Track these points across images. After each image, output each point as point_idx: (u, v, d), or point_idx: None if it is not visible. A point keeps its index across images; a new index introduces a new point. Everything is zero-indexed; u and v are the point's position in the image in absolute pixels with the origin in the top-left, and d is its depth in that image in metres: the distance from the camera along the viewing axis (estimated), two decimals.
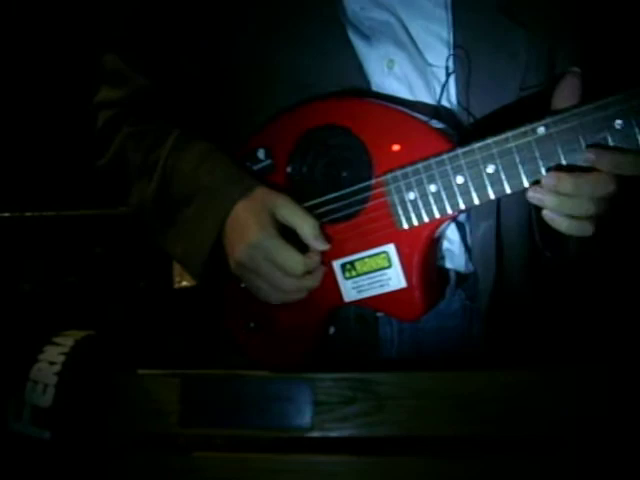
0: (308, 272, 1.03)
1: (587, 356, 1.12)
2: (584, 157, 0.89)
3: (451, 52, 1.07)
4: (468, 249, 1.14)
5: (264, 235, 1.01)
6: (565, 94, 0.91)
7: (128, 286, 1.55)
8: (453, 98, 1.09)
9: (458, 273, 1.14)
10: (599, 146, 0.88)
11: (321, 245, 1.02)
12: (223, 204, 1.04)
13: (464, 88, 1.07)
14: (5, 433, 0.93)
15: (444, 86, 1.08)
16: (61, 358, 0.97)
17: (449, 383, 0.96)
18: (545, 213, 0.92)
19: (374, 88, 1.09)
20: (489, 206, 1.09)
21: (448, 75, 1.07)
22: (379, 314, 1.13)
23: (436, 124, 1.03)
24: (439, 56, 1.09)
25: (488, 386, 0.95)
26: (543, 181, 0.90)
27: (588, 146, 0.88)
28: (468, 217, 1.12)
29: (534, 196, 0.91)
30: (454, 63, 1.07)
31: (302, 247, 1.02)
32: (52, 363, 0.96)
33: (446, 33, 1.09)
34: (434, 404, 0.95)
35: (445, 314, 1.14)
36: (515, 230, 1.13)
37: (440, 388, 0.96)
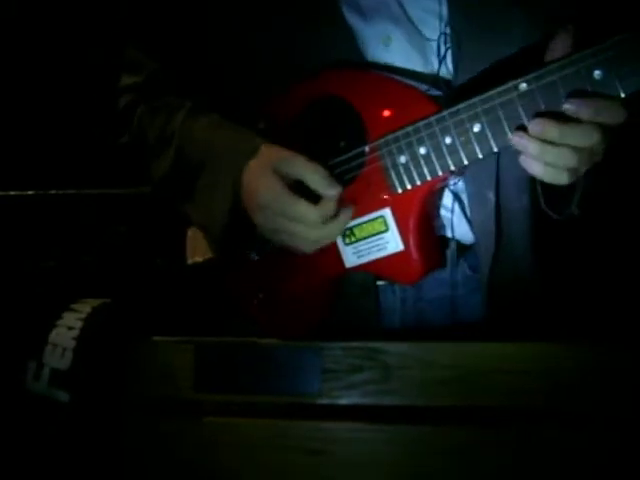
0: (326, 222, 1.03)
1: (588, 329, 1.12)
2: (565, 107, 0.90)
3: (445, 27, 1.08)
4: (468, 219, 1.15)
5: (271, 194, 1.02)
6: (557, 49, 0.92)
7: (145, 262, 1.60)
8: (451, 72, 1.10)
9: (459, 243, 1.16)
10: (578, 94, 0.89)
11: (331, 189, 1.01)
12: (235, 164, 1.07)
13: (462, 62, 1.08)
14: (24, 393, 0.98)
15: (442, 60, 1.09)
16: (79, 323, 1.01)
17: (456, 353, 0.97)
18: (522, 159, 0.93)
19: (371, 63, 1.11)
20: (487, 176, 1.10)
21: (446, 50, 1.09)
22: (379, 282, 1.15)
23: (435, 92, 1.05)
24: (435, 31, 1.10)
25: (494, 357, 0.96)
26: (529, 127, 0.91)
27: (568, 95, 0.89)
28: (467, 187, 1.13)
29: (519, 142, 0.92)
30: (451, 39, 1.08)
31: (317, 199, 1.03)
32: (70, 328, 1.01)
33: (442, 8, 1.09)
34: (441, 374, 0.96)
35: (447, 284, 1.16)
36: (514, 199, 1.14)
37: (446, 358, 0.97)
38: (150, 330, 1.05)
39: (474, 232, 1.15)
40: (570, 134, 0.89)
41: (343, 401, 0.99)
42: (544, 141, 0.90)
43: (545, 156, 0.91)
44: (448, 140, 0.97)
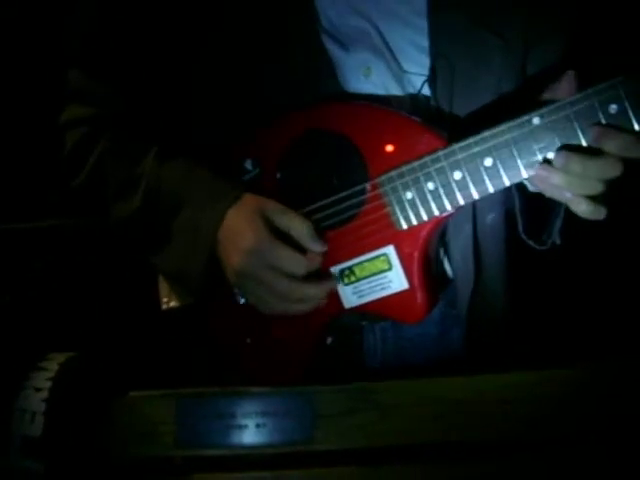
0: (311, 280, 1.01)
1: (570, 357, 1.13)
2: (581, 144, 0.90)
3: (430, 59, 1.07)
4: (448, 256, 1.14)
5: (259, 239, 0.98)
6: (562, 88, 0.92)
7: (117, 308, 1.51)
8: (429, 105, 1.09)
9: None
10: (597, 126, 0.89)
11: (318, 246, 1.00)
12: (214, 214, 1.02)
13: (443, 95, 1.07)
14: None
15: (419, 92, 1.08)
16: (48, 384, 0.92)
17: (449, 389, 0.96)
18: (554, 193, 0.93)
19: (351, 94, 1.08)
20: (465, 212, 1.10)
21: (427, 82, 1.08)
22: (364, 322, 1.12)
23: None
24: (415, 63, 1.09)
25: (490, 390, 0.95)
26: (554, 160, 0.91)
27: (595, 124, 0.89)
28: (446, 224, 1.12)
29: (542, 173, 0.92)
30: (434, 72, 1.08)
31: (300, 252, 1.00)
32: (38, 389, 0.92)
33: (423, 41, 1.08)
34: (435, 411, 0.94)
35: (427, 321, 1.12)
36: (491, 235, 1.14)
37: (439, 395, 0.95)
38: (126, 384, 0.98)
39: (453, 268, 1.14)
40: (594, 167, 0.89)
41: (337, 446, 0.95)
42: (568, 172, 0.90)
43: (572, 187, 0.91)
44: (457, 175, 0.95)
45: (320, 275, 1.03)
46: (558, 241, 1.09)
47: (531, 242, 1.09)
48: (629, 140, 0.88)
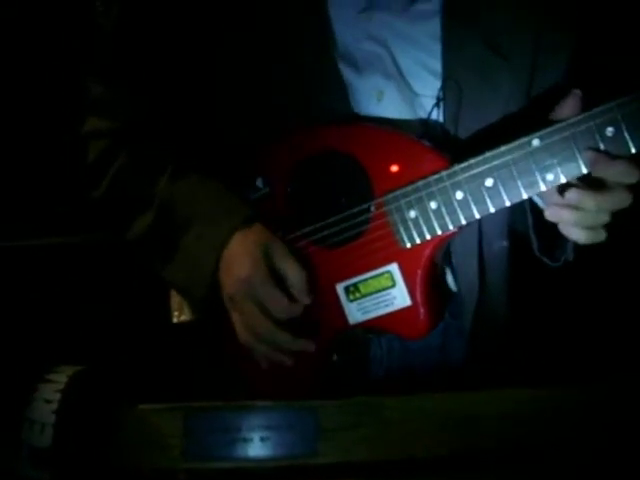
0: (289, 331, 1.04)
1: (570, 372, 1.14)
2: (579, 165, 0.92)
3: (441, 82, 1.09)
4: (452, 268, 1.16)
5: (254, 272, 1.02)
6: (565, 111, 0.95)
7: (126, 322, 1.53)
8: (439, 128, 1.11)
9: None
10: (599, 152, 0.91)
11: (306, 298, 1.03)
12: (221, 233, 1.05)
13: (453, 116, 1.10)
14: (5, 475, 0.91)
15: (430, 115, 1.10)
16: (57, 396, 0.94)
17: (452, 404, 0.97)
18: (562, 227, 0.96)
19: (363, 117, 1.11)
20: (471, 224, 1.11)
21: (436, 104, 1.10)
22: (370, 335, 1.14)
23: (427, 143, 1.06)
24: (426, 86, 1.11)
25: (492, 405, 0.96)
26: (566, 199, 0.93)
27: (591, 148, 0.92)
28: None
29: (554, 214, 0.95)
30: (444, 94, 1.10)
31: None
32: (48, 401, 0.94)
33: (435, 64, 1.10)
34: (438, 425, 0.95)
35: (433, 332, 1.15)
36: (496, 247, 1.16)
37: (443, 409, 0.96)
38: (135, 397, 1.00)
39: (457, 280, 1.16)
40: (607, 202, 0.92)
41: (340, 459, 0.95)
42: (579, 209, 0.93)
43: (582, 222, 0.94)
44: (459, 195, 0.98)
45: (322, 297, 1.06)
46: (571, 258, 1.11)
47: (545, 259, 1.11)
48: (622, 167, 0.90)
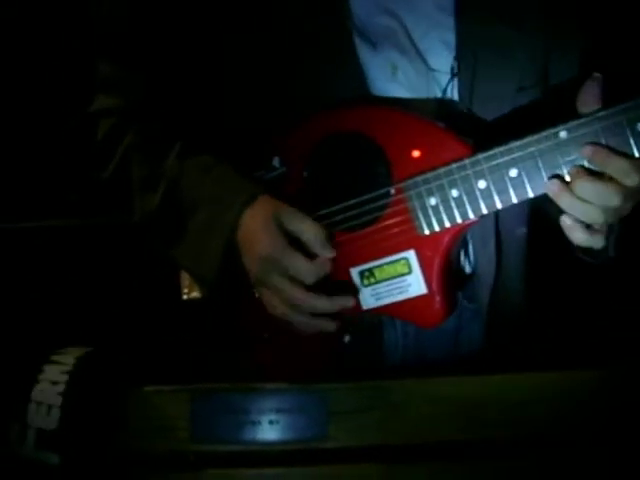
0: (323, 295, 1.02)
1: (584, 357, 1.14)
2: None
3: (455, 56, 1.09)
4: (467, 250, 1.15)
5: (273, 246, 1.00)
6: (587, 98, 0.93)
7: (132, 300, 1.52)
8: (455, 102, 1.10)
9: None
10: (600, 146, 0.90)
11: (327, 251, 1.01)
12: (229, 213, 1.04)
13: (467, 90, 1.09)
14: (9, 458, 0.90)
15: (445, 90, 1.09)
16: (64, 377, 0.93)
17: (463, 388, 0.96)
18: (563, 219, 0.95)
19: (377, 93, 1.10)
20: None
21: (451, 78, 1.09)
22: (384, 318, 1.13)
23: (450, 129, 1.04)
24: (441, 61, 1.10)
25: (504, 389, 0.96)
26: (567, 180, 0.92)
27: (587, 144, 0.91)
28: None
29: (551, 188, 0.93)
30: (458, 67, 1.09)
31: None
32: (55, 382, 0.93)
33: (449, 38, 1.10)
34: (449, 410, 0.95)
35: None
36: (512, 229, 1.15)
37: (454, 393, 0.96)
38: (139, 377, 0.99)
39: (473, 262, 1.15)
40: (603, 194, 0.91)
41: (351, 443, 0.96)
42: (576, 195, 0.92)
43: (574, 210, 0.93)
44: (482, 184, 0.96)
45: (337, 281, 1.04)
46: (613, 254, 1.09)
47: (587, 258, 1.10)
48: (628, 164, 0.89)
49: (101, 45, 1.17)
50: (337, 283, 1.05)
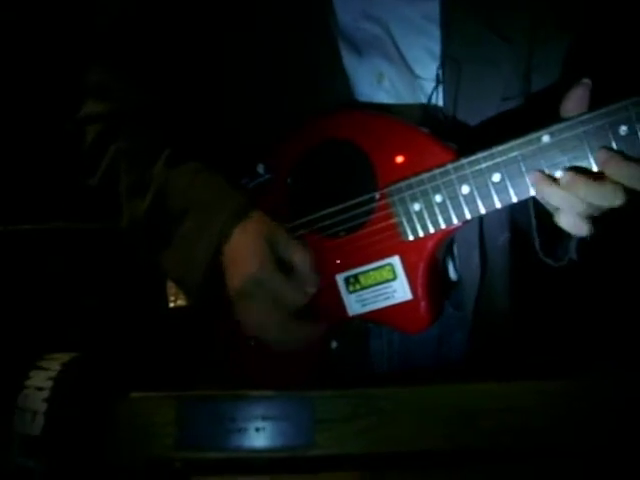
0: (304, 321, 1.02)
1: (572, 364, 1.14)
2: (590, 164, 0.90)
3: (440, 65, 1.09)
4: (453, 257, 1.15)
5: (262, 267, 0.99)
6: (573, 104, 0.92)
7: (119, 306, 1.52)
8: (439, 112, 1.10)
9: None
10: (613, 152, 0.89)
11: (315, 282, 1.01)
12: (217, 223, 1.03)
13: (452, 99, 1.09)
14: None
15: (430, 97, 1.10)
16: (49, 383, 0.93)
17: (450, 397, 0.96)
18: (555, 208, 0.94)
19: (363, 100, 1.09)
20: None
21: (435, 87, 1.09)
22: (370, 325, 1.13)
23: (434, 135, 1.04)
24: (427, 69, 1.10)
25: (489, 398, 0.95)
26: (560, 179, 0.91)
27: (603, 147, 0.89)
28: None
29: (543, 189, 0.92)
30: (443, 75, 1.09)
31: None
32: (40, 389, 0.93)
33: (435, 47, 1.10)
34: (436, 418, 0.95)
35: None
36: (496, 236, 1.15)
37: (441, 401, 0.95)
38: (128, 385, 0.99)
39: (458, 269, 1.15)
40: (596, 195, 0.89)
41: (338, 451, 0.95)
42: (570, 193, 0.91)
43: (564, 204, 0.91)
44: (465, 189, 0.96)
45: (322, 288, 1.04)
46: (575, 257, 1.09)
47: (549, 260, 1.10)
48: (635, 170, 0.87)
49: (94, 50, 1.17)
50: (322, 290, 1.04)
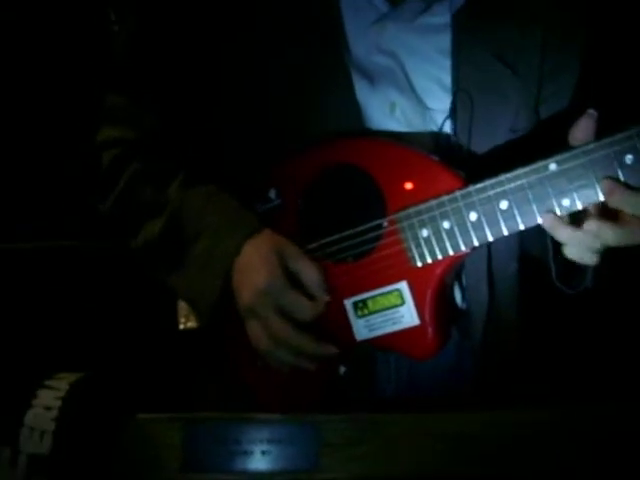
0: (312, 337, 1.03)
1: (581, 393, 1.13)
2: (597, 193, 0.91)
3: (452, 96, 1.10)
4: (462, 286, 1.15)
5: (272, 280, 1.01)
6: (580, 133, 0.93)
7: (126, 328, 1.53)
8: (451, 141, 1.11)
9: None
10: (617, 182, 0.90)
11: (324, 295, 1.03)
12: (230, 244, 1.05)
13: (464, 130, 1.10)
14: None
15: (441, 128, 1.11)
16: (57, 403, 0.93)
17: (456, 424, 0.96)
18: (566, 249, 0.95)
19: (375, 129, 1.11)
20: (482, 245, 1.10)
21: (445, 118, 1.10)
22: (378, 352, 1.12)
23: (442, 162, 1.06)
24: (437, 100, 1.12)
25: (494, 425, 0.95)
26: (585, 227, 0.92)
27: (608, 177, 0.90)
28: None
29: (557, 231, 0.94)
30: (454, 106, 1.10)
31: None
32: (48, 408, 0.93)
33: (446, 78, 1.12)
34: (442, 445, 0.95)
35: (442, 352, 1.14)
36: (504, 264, 1.16)
37: (447, 428, 0.95)
38: (135, 407, 0.99)
39: (466, 298, 1.15)
40: (624, 236, 0.91)
41: (343, 475, 0.95)
42: (595, 236, 0.92)
43: (585, 244, 0.93)
44: (473, 216, 0.97)
45: (331, 312, 1.05)
46: (590, 285, 1.10)
47: (564, 288, 1.10)
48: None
49: (112, 76, 1.20)
50: (331, 314, 1.05)
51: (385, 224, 1.02)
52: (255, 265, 1.02)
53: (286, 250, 1.03)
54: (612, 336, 1.49)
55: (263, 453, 0.96)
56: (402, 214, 1.01)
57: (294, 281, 1.02)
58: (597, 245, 0.93)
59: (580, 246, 0.93)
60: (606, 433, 0.93)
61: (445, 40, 1.11)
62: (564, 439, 0.93)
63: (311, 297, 1.02)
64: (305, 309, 1.01)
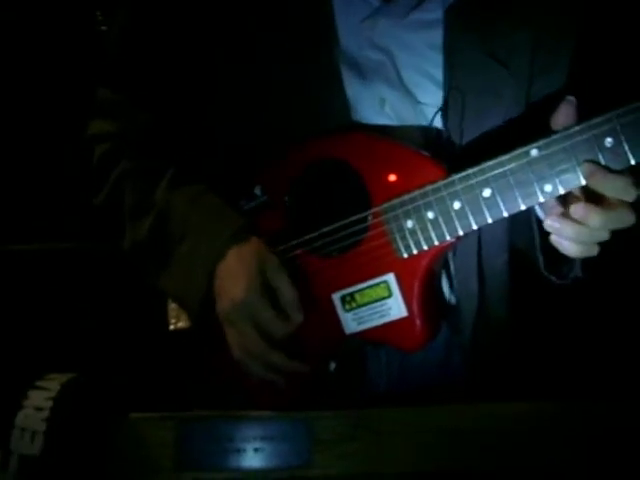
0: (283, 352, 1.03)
1: (568, 387, 1.13)
2: (578, 177, 0.91)
3: (443, 91, 1.10)
4: (450, 280, 1.15)
5: (250, 291, 1.01)
6: (561, 118, 0.94)
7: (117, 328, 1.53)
8: (441, 136, 1.11)
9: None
10: (597, 166, 0.90)
11: (299, 316, 1.03)
12: (216, 242, 1.05)
13: (454, 124, 1.10)
14: None
15: (432, 122, 1.11)
16: (49, 403, 0.93)
17: (447, 418, 0.97)
18: (555, 239, 0.95)
19: (365, 124, 1.10)
20: (470, 236, 1.10)
21: (436, 113, 1.10)
22: (368, 347, 1.13)
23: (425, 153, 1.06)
24: (428, 95, 1.12)
25: (486, 420, 0.96)
26: (571, 212, 0.92)
27: (589, 161, 0.90)
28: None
29: (552, 225, 0.94)
30: (446, 102, 1.10)
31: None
32: (39, 409, 0.93)
33: (437, 73, 1.11)
34: (433, 439, 0.95)
35: (430, 346, 1.13)
36: (494, 258, 1.16)
37: (439, 422, 0.96)
38: (127, 406, 0.99)
39: (456, 293, 1.15)
40: (612, 220, 0.91)
41: (335, 471, 0.96)
42: (583, 225, 0.92)
43: (580, 237, 0.93)
44: (457, 205, 0.97)
45: (318, 307, 1.05)
46: (580, 274, 1.10)
47: (553, 278, 1.10)
48: (620, 182, 0.89)
49: (103, 71, 1.20)
50: (319, 309, 1.06)
51: (370, 217, 1.02)
52: (235, 274, 1.03)
53: (268, 263, 1.03)
54: (604, 331, 1.49)
55: (256, 450, 0.97)
56: (386, 206, 1.01)
57: (271, 295, 1.02)
58: (595, 236, 0.93)
59: (578, 239, 0.93)
60: (599, 429, 0.94)
61: (437, 36, 1.11)
62: (558, 433, 0.94)
63: (286, 315, 1.02)
64: (278, 329, 1.02)
